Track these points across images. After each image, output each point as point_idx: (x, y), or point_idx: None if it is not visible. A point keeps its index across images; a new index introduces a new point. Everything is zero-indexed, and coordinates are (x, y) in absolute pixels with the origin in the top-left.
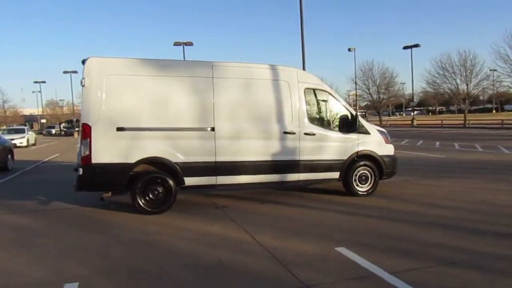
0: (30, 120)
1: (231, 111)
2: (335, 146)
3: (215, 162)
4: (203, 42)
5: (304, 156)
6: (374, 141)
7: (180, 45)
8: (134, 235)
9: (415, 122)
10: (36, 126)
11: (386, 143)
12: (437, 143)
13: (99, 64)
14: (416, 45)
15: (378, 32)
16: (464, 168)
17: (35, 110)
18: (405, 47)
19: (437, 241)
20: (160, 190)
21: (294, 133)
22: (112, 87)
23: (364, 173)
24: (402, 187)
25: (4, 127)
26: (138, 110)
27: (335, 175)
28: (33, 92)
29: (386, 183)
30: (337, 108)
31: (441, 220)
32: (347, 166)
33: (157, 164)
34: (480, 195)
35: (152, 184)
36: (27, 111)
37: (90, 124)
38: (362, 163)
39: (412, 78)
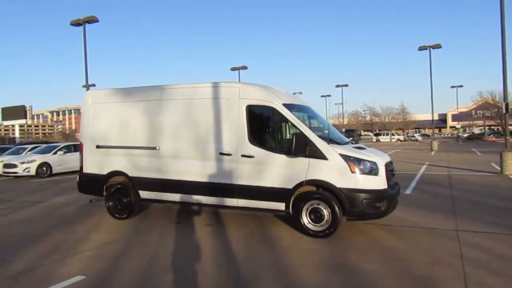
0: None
1: (174, 131)
2: (278, 171)
3: (161, 179)
4: None
5: (242, 180)
6: (330, 169)
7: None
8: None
9: None
10: None
11: (361, 173)
12: None
13: (91, 95)
14: None
15: None
16: None
17: None
18: None
19: None
20: (125, 200)
21: (230, 155)
22: (96, 112)
23: (317, 208)
24: (397, 235)
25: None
26: (109, 130)
27: (280, 205)
28: None
29: (393, 227)
30: (285, 126)
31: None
32: (294, 197)
33: (122, 177)
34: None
35: (118, 193)
36: None
37: (83, 142)
38: (314, 195)
39: None
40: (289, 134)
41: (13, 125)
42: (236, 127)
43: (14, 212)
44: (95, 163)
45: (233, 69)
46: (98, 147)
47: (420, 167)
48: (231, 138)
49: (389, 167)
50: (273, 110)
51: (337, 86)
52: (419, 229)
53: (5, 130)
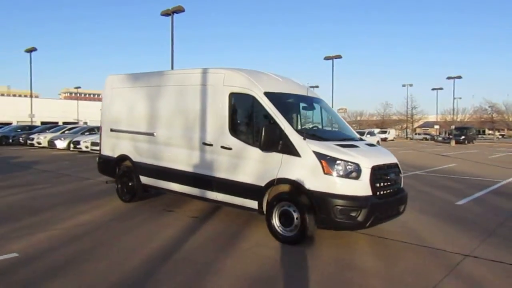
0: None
1: (167, 118)
2: (253, 166)
3: (156, 166)
4: None
5: (221, 173)
6: (302, 167)
7: None
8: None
9: None
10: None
11: (337, 175)
12: None
13: (110, 80)
14: None
15: None
16: None
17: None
18: None
19: None
20: (129, 183)
21: (211, 145)
22: (113, 97)
23: (286, 210)
24: (381, 253)
25: None
26: (120, 115)
27: (253, 204)
28: None
29: (386, 241)
30: (264, 117)
31: None
32: (267, 196)
33: (127, 161)
34: None
35: (124, 176)
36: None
37: (102, 125)
38: (283, 196)
39: None
40: (263, 125)
41: None
42: (219, 116)
43: (56, 186)
44: (109, 146)
45: (326, 58)
46: (111, 130)
47: None
48: (213, 128)
49: (381, 170)
50: (253, 98)
51: (448, 78)
52: (418, 248)
53: None
